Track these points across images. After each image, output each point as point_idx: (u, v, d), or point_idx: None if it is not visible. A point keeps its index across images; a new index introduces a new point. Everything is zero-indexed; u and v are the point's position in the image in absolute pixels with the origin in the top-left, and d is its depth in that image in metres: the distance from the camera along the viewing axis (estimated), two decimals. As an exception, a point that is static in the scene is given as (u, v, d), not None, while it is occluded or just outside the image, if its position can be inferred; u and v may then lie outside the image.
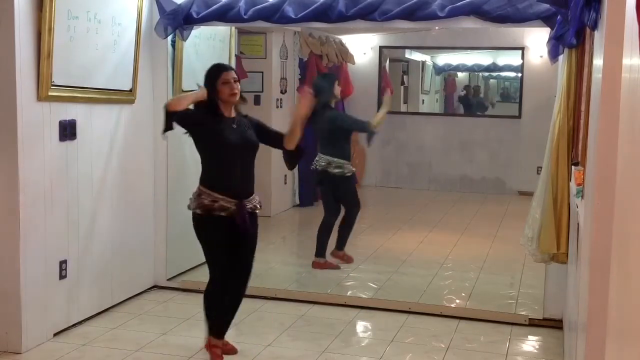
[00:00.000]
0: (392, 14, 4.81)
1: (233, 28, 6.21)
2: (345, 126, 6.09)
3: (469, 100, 12.77)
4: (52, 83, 4.32)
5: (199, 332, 4.66)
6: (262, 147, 4.29)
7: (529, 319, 4.94)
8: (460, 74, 13.42)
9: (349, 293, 5.57)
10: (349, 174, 6.06)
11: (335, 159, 5.98)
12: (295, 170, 8.65)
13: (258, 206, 4.22)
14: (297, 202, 9.11)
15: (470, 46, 11.19)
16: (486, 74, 13.24)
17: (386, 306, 5.20)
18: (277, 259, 6.56)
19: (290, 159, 4.35)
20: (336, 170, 5.98)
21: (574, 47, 3.95)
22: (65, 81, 4.45)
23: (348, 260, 6.28)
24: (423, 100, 13.17)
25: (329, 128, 5.96)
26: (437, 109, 13.42)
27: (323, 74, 8.23)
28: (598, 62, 2.83)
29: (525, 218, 4.45)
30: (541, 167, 4.35)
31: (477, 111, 12.50)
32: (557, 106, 4.17)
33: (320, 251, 6.17)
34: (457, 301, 5.41)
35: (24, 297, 4.26)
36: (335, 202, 6.13)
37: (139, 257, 5.42)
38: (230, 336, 4.40)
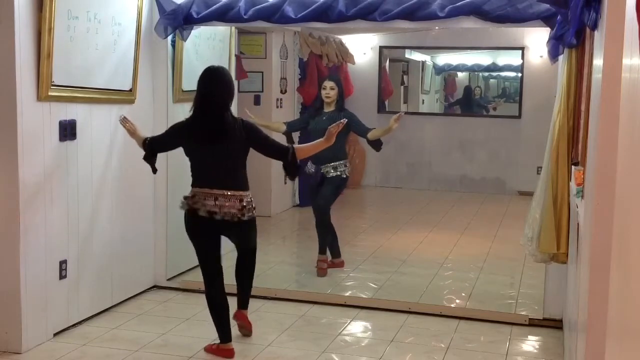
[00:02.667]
0: (392, 14, 4.81)
1: (233, 28, 6.21)
2: (354, 128, 5.90)
3: (469, 100, 12.73)
4: (52, 83, 4.32)
5: (199, 332, 4.67)
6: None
7: (529, 319, 4.94)
8: (460, 74, 13.41)
9: (349, 293, 5.57)
10: (348, 174, 6.03)
11: (340, 161, 5.91)
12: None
13: (245, 211, 4.26)
14: (297, 202, 9.10)
15: (470, 46, 11.18)
16: (486, 74, 13.23)
17: (386, 306, 5.20)
18: (277, 259, 6.56)
19: (289, 171, 4.46)
20: (340, 171, 5.92)
21: (574, 47, 3.95)
22: (65, 81, 4.45)
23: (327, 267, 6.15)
24: (423, 100, 13.16)
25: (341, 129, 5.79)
26: (437, 109, 13.40)
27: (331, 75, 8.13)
28: (598, 62, 2.83)
29: (525, 218, 4.45)
30: (541, 167, 4.35)
31: (475, 111, 12.49)
32: (557, 106, 4.17)
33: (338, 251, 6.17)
34: (457, 301, 5.41)
35: (24, 297, 4.26)
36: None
37: (139, 257, 5.42)
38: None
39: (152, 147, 4.39)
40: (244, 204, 4.25)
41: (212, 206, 4.19)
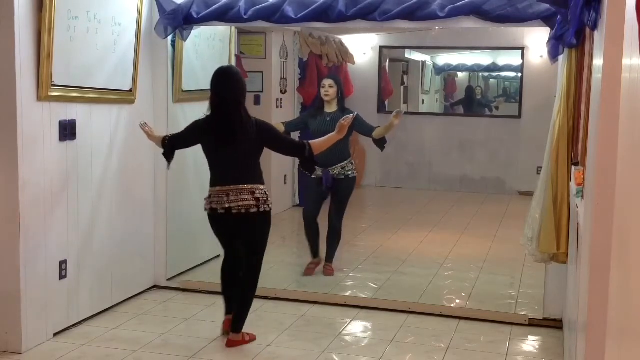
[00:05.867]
0: (392, 14, 4.81)
1: (233, 28, 6.20)
2: (359, 128, 5.82)
3: (470, 100, 12.73)
4: (52, 83, 4.32)
5: (199, 332, 4.67)
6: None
7: (529, 319, 4.94)
8: (460, 74, 13.41)
9: (349, 293, 5.57)
10: (355, 172, 6.01)
11: (347, 161, 5.89)
12: (295, 170, 8.65)
13: (260, 204, 4.34)
14: (297, 202, 9.10)
15: (470, 46, 11.18)
16: (486, 74, 13.23)
17: (386, 306, 5.20)
18: (277, 259, 6.55)
19: (306, 166, 4.59)
20: (349, 170, 5.90)
21: (574, 47, 3.95)
22: (65, 81, 4.45)
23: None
24: (423, 100, 13.16)
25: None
26: (437, 109, 13.41)
27: (330, 74, 8.11)
28: (598, 62, 2.83)
29: (525, 218, 4.45)
30: (541, 167, 4.35)
31: (477, 111, 12.50)
32: (557, 106, 4.17)
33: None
34: (457, 301, 5.41)
35: (24, 297, 4.26)
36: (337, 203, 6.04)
37: (139, 257, 5.42)
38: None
39: (172, 145, 4.52)
40: (257, 196, 4.33)
41: (226, 202, 4.30)
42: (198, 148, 4.65)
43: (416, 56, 12.64)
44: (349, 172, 5.89)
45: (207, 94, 5.08)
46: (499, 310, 5.15)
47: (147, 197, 5.50)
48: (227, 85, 4.33)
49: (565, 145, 4.08)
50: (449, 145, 10.65)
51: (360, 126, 5.85)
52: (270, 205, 4.42)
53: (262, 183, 4.43)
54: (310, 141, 4.51)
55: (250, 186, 4.33)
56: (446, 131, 10.74)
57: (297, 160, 6.50)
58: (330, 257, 6.08)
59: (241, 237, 4.47)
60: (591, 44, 3.30)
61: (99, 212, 4.93)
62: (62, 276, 4.58)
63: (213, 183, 4.39)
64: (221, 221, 4.38)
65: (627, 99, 1.74)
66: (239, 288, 4.51)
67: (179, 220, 5.72)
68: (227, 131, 4.29)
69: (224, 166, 4.35)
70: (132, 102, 5.17)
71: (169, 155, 4.53)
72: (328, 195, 6.00)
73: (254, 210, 4.32)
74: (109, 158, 5.01)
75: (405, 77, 12.65)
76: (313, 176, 5.83)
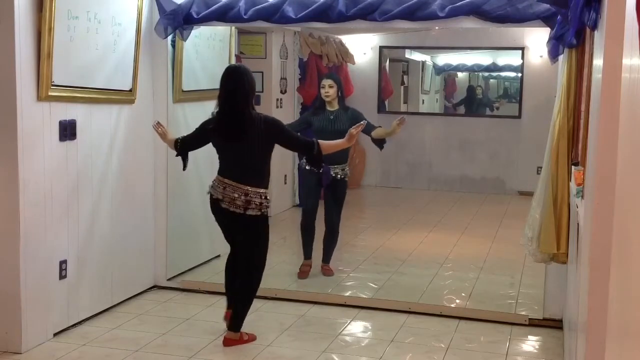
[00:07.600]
0: (392, 14, 4.81)
1: (233, 28, 6.20)
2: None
3: (472, 100, 12.72)
4: (52, 83, 4.32)
5: (199, 332, 4.67)
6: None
7: (529, 319, 4.94)
8: (460, 74, 13.40)
9: (349, 293, 5.56)
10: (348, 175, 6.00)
11: (346, 163, 5.88)
12: (295, 170, 8.65)
13: (250, 206, 4.33)
14: (297, 202, 9.10)
15: (470, 46, 11.17)
16: (486, 74, 13.22)
17: (386, 306, 5.20)
18: (277, 259, 6.54)
19: (314, 163, 4.65)
20: (346, 172, 5.88)
21: (574, 47, 3.95)
22: (65, 81, 4.45)
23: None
24: (423, 100, 13.15)
25: (344, 128, 5.34)
26: (437, 109, 13.40)
27: (329, 73, 8.09)
28: (598, 62, 2.83)
29: (525, 218, 4.45)
30: (541, 167, 4.35)
31: (479, 111, 12.49)
32: (557, 106, 4.18)
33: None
34: (457, 301, 5.41)
35: (24, 297, 4.26)
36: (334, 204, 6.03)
37: (139, 257, 5.42)
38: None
39: (184, 147, 4.57)
40: (249, 199, 4.32)
41: (220, 193, 4.35)
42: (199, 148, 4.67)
43: (416, 56, 12.64)
44: (345, 174, 5.89)
45: (207, 94, 5.09)
46: (499, 310, 5.15)
47: (147, 197, 5.50)
48: (237, 82, 4.35)
49: (565, 145, 4.08)
50: (449, 145, 10.65)
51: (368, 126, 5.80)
52: (262, 211, 4.39)
53: (264, 187, 4.43)
54: (320, 141, 4.52)
55: (247, 187, 4.33)
56: (446, 131, 10.74)
57: (297, 160, 6.51)
58: (328, 258, 6.07)
59: (235, 235, 4.52)
60: (591, 44, 3.30)
61: (99, 212, 4.93)
62: (62, 276, 4.58)
63: (218, 171, 4.46)
64: (214, 210, 4.46)
65: (627, 99, 1.74)
66: (237, 286, 4.52)
67: (179, 220, 5.72)
68: (236, 128, 4.32)
69: (229, 162, 4.40)
70: (132, 102, 5.17)
71: (182, 158, 4.58)
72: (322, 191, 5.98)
73: (240, 211, 4.32)
74: (109, 158, 5.01)
75: (405, 77, 12.65)
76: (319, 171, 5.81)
